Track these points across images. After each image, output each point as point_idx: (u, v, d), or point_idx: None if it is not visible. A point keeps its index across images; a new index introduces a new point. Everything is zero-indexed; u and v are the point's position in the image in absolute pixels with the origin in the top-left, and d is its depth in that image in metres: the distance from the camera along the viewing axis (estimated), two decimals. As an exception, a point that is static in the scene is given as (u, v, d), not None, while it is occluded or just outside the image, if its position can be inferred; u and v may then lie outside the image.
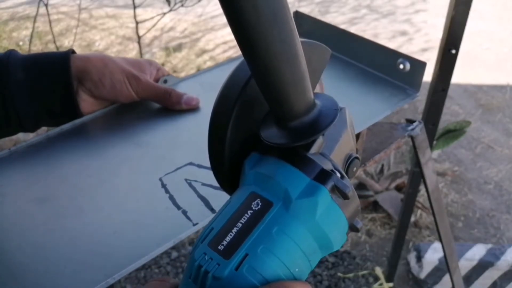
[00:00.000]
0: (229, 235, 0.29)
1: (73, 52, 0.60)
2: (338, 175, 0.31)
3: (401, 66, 0.59)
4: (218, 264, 0.28)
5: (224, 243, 0.29)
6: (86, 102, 0.60)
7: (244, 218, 0.30)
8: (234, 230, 0.29)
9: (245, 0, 0.23)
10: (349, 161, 0.35)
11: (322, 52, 0.37)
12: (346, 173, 0.35)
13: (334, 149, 0.33)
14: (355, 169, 0.36)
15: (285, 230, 0.29)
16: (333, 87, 0.62)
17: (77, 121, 0.61)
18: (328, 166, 0.32)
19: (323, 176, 0.30)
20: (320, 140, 0.32)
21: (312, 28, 0.72)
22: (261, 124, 0.34)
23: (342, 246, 0.32)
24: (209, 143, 0.36)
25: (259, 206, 0.30)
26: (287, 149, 0.32)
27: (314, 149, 0.32)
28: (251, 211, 0.30)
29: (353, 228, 0.33)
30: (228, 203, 0.32)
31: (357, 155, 0.36)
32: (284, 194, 0.30)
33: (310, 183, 0.30)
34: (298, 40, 0.28)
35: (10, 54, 0.57)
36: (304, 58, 0.29)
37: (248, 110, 0.34)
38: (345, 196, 0.30)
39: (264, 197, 0.30)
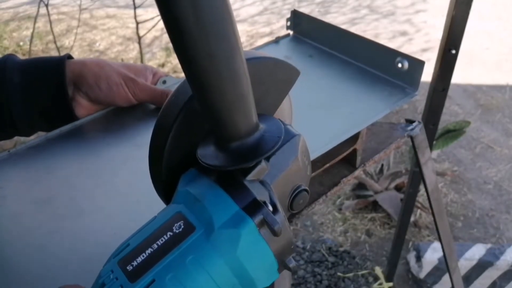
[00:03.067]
0: (141, 256, 0.27)
1: (69, 57, 0.60)
2: (271, 208, 0.28)
3: (400, 65, 0.60)
4: (121, 286, 0.26)
5: (134, 263, 0.27)
6: (83, 106, 0.60)
7: (162, 240, 0.28)
8: (148, 251, 0.27)
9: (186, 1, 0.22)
10: (295, 193, 0.33)
11: (289, 71, 0.35)
12: (291, 205, 0.33)
13: (278, 178, 0.31)
14: (301, 201, 0.33)
15: (200, 261, 0.26)
16: (331, 87, 0.62)
17: (77, 123, 0.61)
18: (263, 197, 0.29)
19: (253, 208, 0.28)
20: (262, 166, 0.30)
21: (310, 27, 0.72)
22: (201, 141, 0.32)
23: (270, 284, 0.30)
24: (149, 151, 0.34)
25: (180, 229, 0.28)
26: (224, 171, 0.30)
27: (252, 175, 0.30)
28: (171, 233, 0.28)
29: (284, 265, 0.30)
30: (153, 219, 0.30)
31: (306, 188, 0.33)
32: (208, 220, 0.28)
33: (238, 212, 0.28)
34: (242, 59, 0.26)
35: (7, 59, 0.57)
36: (248, 79, 0.27)
37: (193, 123, 0.32)
38: (273, 232, 0.28)
39: (188, 220, 0.28)
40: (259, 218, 0.28)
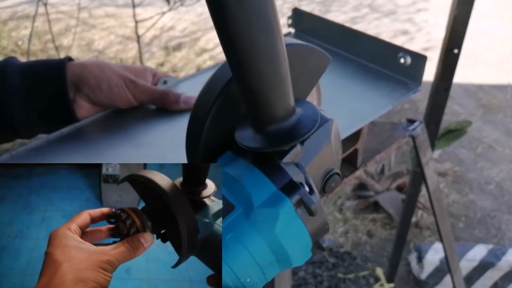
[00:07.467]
0: None
1: (70, 59, 0.60)
2: (307, 189, 0.30)
3: (402, 60, 0.59)
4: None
5: None
6: (84, 108, 0.60)
7: None
8: None
9: None
10: (328, 176, 0.34)
11: (321, 58, 0.36)
12: (323, 188, 0.34)
13: (311, 161, 0.32)
14: (333, 184, 0.35)
15: (240, 238, 0.28)
16: (334, 84, 0.61)
17: (77, 124, 0.61)
18: (299, 178, 0.30)
19: (290, 188, 0.29)
20: (297, 149, 0.31)
21: (312, 24, 0.71)
22: (238, 124, 0.33)
23: (304, 263, 0.31)
24: (186, 135, 0.35)
25: None
26: (260, 153, 0.31)
27: (288, 158, 0.31)
28: None
29: (318, 246, 0.31)
30: None
31: (338, 171, 0.34)
32: (247, 200, 0.29)
33: (276, 193, 0.29)
34: (282, 42, 0.27)
35: (8, 62, 0.57)
36: (287, 62, 0.28)
37: (229, 107, 0.33)
38: (310, 212, 0.29)
39: (227, 200, 0.30)
40: (296, 198, 0.29)
